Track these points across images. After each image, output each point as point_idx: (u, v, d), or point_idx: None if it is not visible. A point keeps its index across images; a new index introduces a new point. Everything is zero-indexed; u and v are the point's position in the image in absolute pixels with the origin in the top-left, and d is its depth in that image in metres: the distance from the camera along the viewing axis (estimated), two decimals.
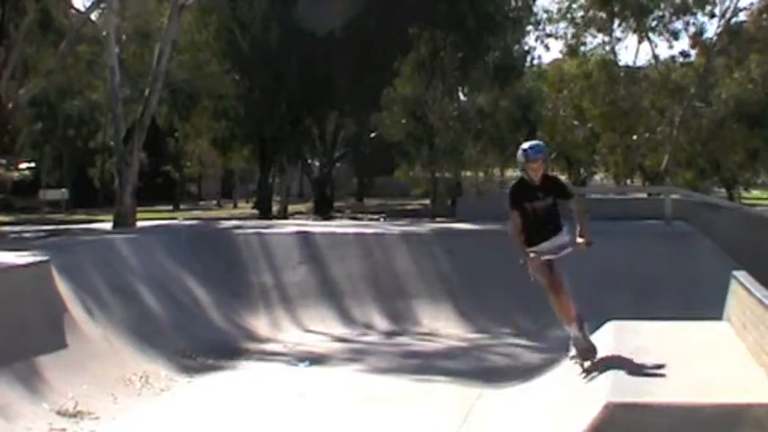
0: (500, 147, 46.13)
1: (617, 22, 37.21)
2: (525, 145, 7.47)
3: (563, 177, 7.69)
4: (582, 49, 38.03)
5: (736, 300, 7.79)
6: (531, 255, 7.29)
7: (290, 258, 16.57)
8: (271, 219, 30.58)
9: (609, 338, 7.65)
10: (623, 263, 15.28)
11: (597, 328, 8.58)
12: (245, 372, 11.49)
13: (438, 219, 26.21)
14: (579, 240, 7.45)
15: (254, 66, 32.87)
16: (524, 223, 7.43)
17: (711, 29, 48.38)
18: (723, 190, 47.31)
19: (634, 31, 37.60)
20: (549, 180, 7.50)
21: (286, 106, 33.48)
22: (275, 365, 11.94)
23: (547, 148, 7.61)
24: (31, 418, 8.19)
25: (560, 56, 41.17)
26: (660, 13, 36.90)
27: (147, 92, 21.88)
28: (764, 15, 35.78)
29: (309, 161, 41.03)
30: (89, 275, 12.64)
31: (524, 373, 10.27)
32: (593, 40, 37.98)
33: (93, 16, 30.71)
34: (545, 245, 7.43)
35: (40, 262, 11.32)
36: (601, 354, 7.35)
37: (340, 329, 14.47)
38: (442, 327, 14.49)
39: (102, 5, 25.29)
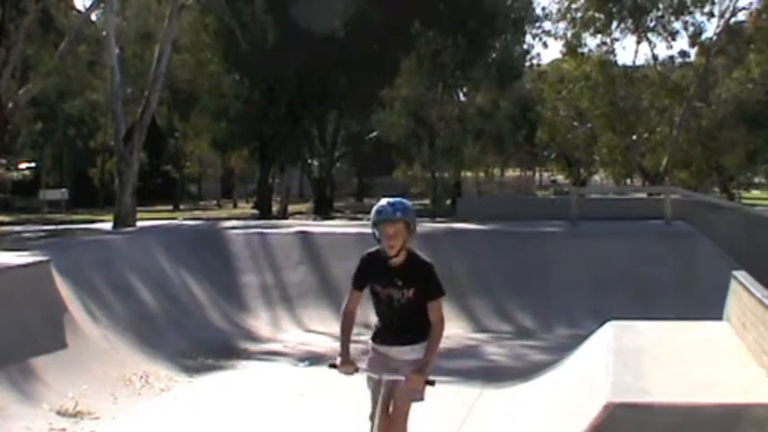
0: (500, 147, 46.23)
1: (615, 23, 37.26)
2: (383, 200, 5.26)
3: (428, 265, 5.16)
4: (580, 50, 38.08)
5: (736, 300, 7.79)
6: (343, 362, 5.32)
7: (289, 258, 16.58)
8: (271, 219, 30.59)
9: (609, 338, 7.64)
10: (623, 263, 15.32)
11: (597, 328, 8.58)
12: (245, 372, 11.49)
13: (438, 219, 26.22)
14: (413, 377, 5.15)
15: (254, 66, 32.87)
16: (378, 311, 5.46)
17: (711, 29, 48.47)
18: (720, 191, 47.34)
19: (632, 32, 37.64)
20: (415, 264, 5.26)
21: (286, 106, 33.49)
22: (275, 365, 11.94)
23: (412, 211, 5.25)
24: (31, 418, 8.18)
25: (560, 55, 41.25)
26: (659, 14, 36.96)
27: (146, 92, 21.90)
28: (764, 15, 35.81)
29: (309, 161, 41.05)
30: (89, 275, 12.64)
31: (525, 372, 10.27)
32: (593, 40, 38.07)
33: (94, 16, 30.77)
34: (394, 351, 5.38)
35: (40, 262, 11.32)
36: (601, 354, 7.35)
37: (339, 329, 14.46)
38: None
39: (102, 5, 25.29)
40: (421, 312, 5.27)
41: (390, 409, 5.28)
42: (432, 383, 5.15)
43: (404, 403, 5.25)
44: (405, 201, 5.28)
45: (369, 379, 5.36)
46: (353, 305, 5.42)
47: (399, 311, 5.32)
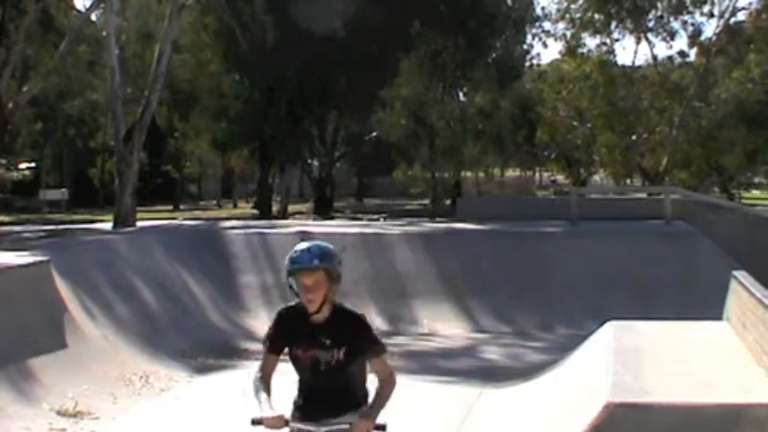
0: (500, 147, 46.27)
1: (614, 23, 37.27)
2: (299, 245, 4.43)
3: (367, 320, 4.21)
4: (580, 50, 38.10)
5: (736, 300, 7.79)
6: (268, 415, 4.42)
7: None
8: (271, 219, 30.60)
9: (609, 338, 7.64)
10: (623, 263, 15.32)
11: (597, 328, 8.59)
12: (245, 371, 11.46)
13: (438, 219, 26.23)
14: (361, 422, 4.25)
15: (254, 66, 32.88)
16: (300, 380, 4.60)
17: (710, 29, 48.48)
18: (719, 191, 47.35)
19: (631, 32, 37.66)
20: (344, 318, 4.41)
21: (286, 106, 33.50)
22: None
23: (333, 256, 4.37)
24: (31, 418, 8.19)
25: (559, 56, 41.29)
26: (658, 14, 36.98)
27: (146, 92, 21.90)
28: (764, 15, 35.83)
29: (309, 161, 41.07)
30: (89, 275, 12.65)
31: (525, 372, 10.27)
32: (592, 40, 38.10)
33: (94, 16, 30.77)
34: (322, 429, 4.38)
35: (40, 262, 11.33)
36: (601, 354, 7.35)
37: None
38: (442, 326, 14.49)
39: (102, 5, 25.30)
40: (353, 376, 4.41)
41: None
42: (383, 429, 4.29)
43: None
44: (324, 245, 4.44)
45: None
46: (269, 371, 4.58)
47: (326, 377, 4.42)
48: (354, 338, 4.36)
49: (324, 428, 4.34)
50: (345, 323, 4.40)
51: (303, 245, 4.40)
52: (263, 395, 4.49)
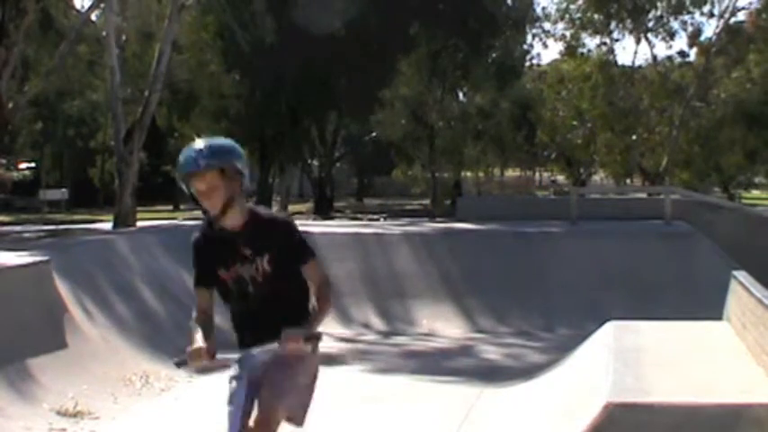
0: (500, 147, 46.31)
1: (614, 23, 37.30)
2: (197, 144, 3.78)
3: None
4: (580, 50, 38.13)
5: (736, 300, 7.79)
6: (191, 352, 3.75)
7: None
8: None
9: (609, 338, 7.64)
10: (623, 263, 15.33)
11: (597, 328, 8.59)
12: None
13: (438, 219, 26.24)
14: (288, 332, 3.79)
15: (255, 66, 32.88)
16: (231, 309, 4.09)
17: (710, 29, 48.47)
18: (720, 191, 47.36)
19: (631, 32, 37.68)
20: (264, 221, 3.91)
21: (286, 106, 33.49)
22: None
23: (228, 152, 3.87)
24: (31, 418, 8.18)
25: (559, 56, 41.31)
26: (658, 14, 37.00)
27: (146, 92, 21.90)
28: (764, 15, 35.84)
29: (309, 161, 41.08)
30: (89, 275, 12.64)
31: (525, 372, 10.27)
32: (592, 40, 38.13)
33: (93, 16, 30.79)
34: (259, 351, 3.91)
35: (40, 262, 11.32)
36: (601, 354, 7.35)
37: (339, 329, 14.45)
38: (442, 326, 14.49)
39: (102, 5, 25.30)
40: (288, 289, 3.86)
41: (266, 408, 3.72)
42: (317, 337, 3.96)
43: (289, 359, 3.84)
44: (217, 140, 3.82)
45: (236, 364, 3.92)
46: (205, 307, 3.99)
47: (258, 297, 3.85)
48: (275, 241, 3.80)
49: (255, 350, 3.83)
50: (267, 226, 3.85)
51: (193, 144, 3.75)
52: (197, 333, 3.83)
